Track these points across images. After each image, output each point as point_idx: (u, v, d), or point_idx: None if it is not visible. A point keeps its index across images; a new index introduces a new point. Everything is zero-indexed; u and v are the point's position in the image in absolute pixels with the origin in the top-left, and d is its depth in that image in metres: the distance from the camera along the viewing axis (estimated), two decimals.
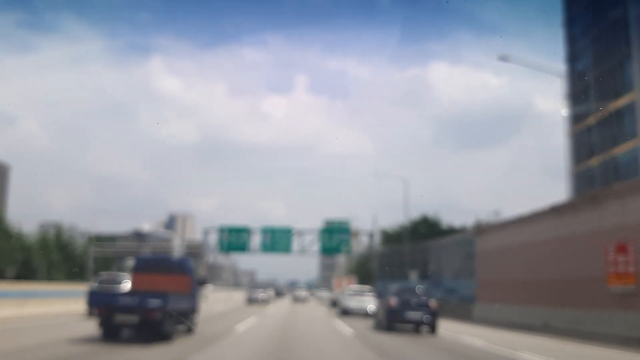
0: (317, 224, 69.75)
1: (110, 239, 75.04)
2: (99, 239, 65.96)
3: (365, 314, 26.95)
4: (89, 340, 12.04)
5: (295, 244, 49.38)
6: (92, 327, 13.18)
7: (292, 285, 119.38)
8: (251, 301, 43.41)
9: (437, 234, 43.98)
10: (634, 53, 41.84)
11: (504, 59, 34.50)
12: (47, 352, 10.25)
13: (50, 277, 49.06)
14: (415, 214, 50.63)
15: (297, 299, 55.53)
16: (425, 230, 46.69)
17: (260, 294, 45.52)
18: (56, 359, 9.65)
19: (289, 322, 22.08)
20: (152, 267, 14.44)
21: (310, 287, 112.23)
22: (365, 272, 50.64)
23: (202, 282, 16.38)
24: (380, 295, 22.58)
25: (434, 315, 17.79)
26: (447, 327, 20.87)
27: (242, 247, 49.02)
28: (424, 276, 40.79)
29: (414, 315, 17.66)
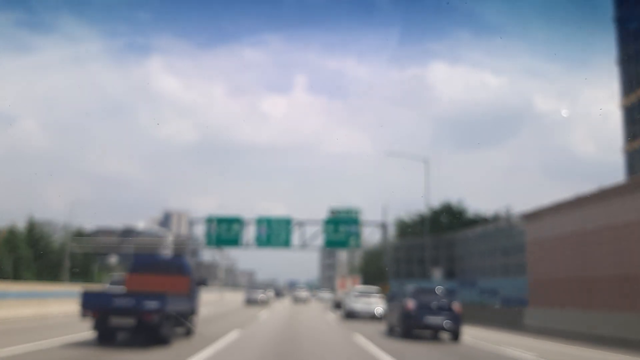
0: (321, 215, 62.59)
1: (93, 234, 68.50)
2: (80, 234, 60.03)
3: (372, 317, 25.16)
4: (83, 344, 11.52)
5: (296, 237, 42.67)
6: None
7: (292, 286, 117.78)
8: (250, 302, 41.43)
9: (463, 225, 37.19)
10: None
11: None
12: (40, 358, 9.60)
13: (17, 275, 43.73)
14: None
15: (297, 300, 54.57)
16: (448, 221, 39.86)
17: (260, 295, 43.20)
18: None
19: (290, 326, 20.44)
20: (149, 267, 13.99)
21: (311, 287, 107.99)
22: (376, 270, 43.46)
23: (201, 283, 15.47)
24: (393, 297, 19.77)
25: (457, 320, 16.01)
26: (486, 337, 18.18)
27: (233, 241, 41.99)
28: (450, 274, 34.10)
29: (434, 320, 15.98)
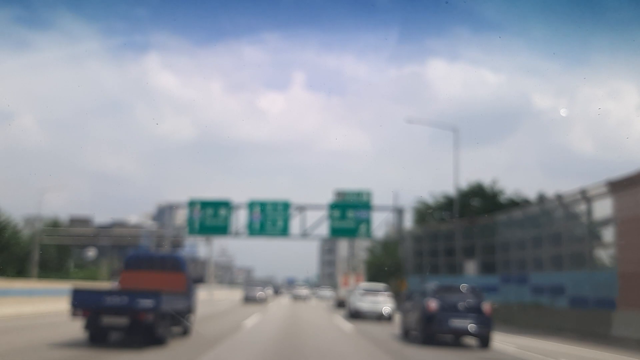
0: (327, 199, 55.75)
1: (69, 225, 61.86)
2: (55, 225, 53.81)
3: (379, 317, 23.56)
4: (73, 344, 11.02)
5: (295, 225, 35.98)
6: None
7: (291, 283, 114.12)
8: (248, 300, 40.13)
9: (499, 209, 30.47)
10: None
11: None
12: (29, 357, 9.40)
13: None
14: (440, 194, 36.73)
15: (297, 298, 53.65)
16: (480, 205, 33.10)
17: (258, 292, 41.75)
18: None
19: (292, 327, 18.82)
20: (144, 263, 13.40)
21: (310, 284, 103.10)
22: (392, 262, 36.55)
23: (198, 280, 14.71)
24: (410, 296, 17.30)
25: (488, 323, 13.84)
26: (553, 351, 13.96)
27: (221, 228, 35.08)
28: (489, 268, 27.47)
29: (460, 323, 13.86)
